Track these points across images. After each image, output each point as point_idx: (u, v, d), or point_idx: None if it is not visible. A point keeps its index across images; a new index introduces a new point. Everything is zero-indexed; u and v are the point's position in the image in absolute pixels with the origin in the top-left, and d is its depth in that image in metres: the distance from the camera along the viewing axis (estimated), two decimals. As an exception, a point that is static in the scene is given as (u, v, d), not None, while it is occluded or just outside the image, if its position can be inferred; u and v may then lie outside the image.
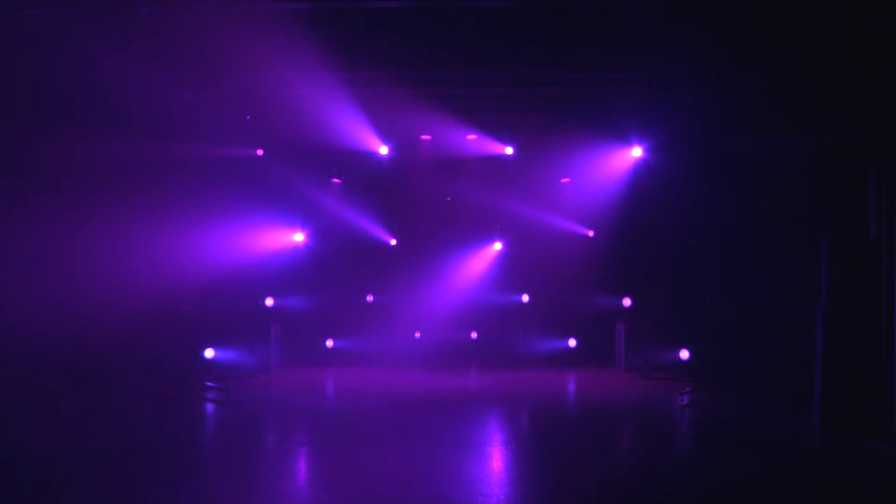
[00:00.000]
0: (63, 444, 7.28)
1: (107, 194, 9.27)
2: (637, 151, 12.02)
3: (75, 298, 8.67)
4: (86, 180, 9.10)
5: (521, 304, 14.58)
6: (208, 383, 10.28)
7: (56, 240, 8.87)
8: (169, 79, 9.16)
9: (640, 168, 12.11)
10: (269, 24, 8.05)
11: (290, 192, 12.86)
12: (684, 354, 11.21)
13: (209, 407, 9.45)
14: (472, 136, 12.98)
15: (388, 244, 14.50)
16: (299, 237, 13.54)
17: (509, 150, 13.18)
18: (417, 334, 14.61)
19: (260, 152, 12.32)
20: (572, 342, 13.97)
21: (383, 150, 13.02)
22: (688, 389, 9.85)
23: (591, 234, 14.04)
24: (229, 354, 11.73)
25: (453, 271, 14.44)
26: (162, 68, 8.76)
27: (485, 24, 8.73)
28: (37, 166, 8.78)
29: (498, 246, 14.49)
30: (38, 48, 8.06)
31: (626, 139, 12.05)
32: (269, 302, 12.81)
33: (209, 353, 10.98)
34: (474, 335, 14.70)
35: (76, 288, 8.76)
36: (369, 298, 14.61)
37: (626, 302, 12.77)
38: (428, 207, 14.27)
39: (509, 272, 14.49)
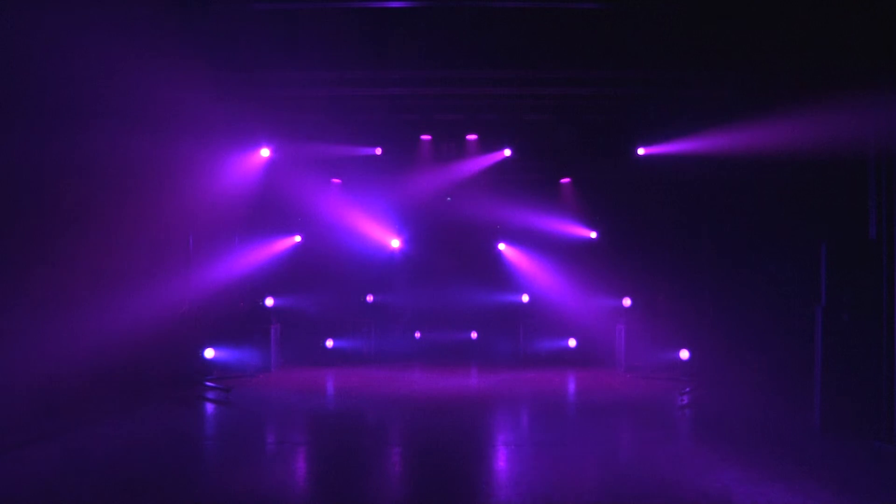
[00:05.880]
0: (61, 444, 7.28)
1: (102, 195, 9.23)
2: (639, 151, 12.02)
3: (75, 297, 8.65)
4: (83, 180, 9.07)
5: (521, 304, 14.57)
6: (208, 383, 10.29)
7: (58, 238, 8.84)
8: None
9: (641, 167, 12.11)
10: None
11: (291, 192, 12.84)
12: (684, 354, 11.21)
13: (209, 407, 9.45)
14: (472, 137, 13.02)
15: (390, 245, 14.49)
16: (297, 238, 13.58)
17: (507, 152, 13.16)
18: (417, 334, 14.62)
19: (267, 152, 12.23)
20: (572, 342, 13.96)
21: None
22: (688, 389, 9.85)
23: (593, 235, 14.04)
24: (229, 354, 11.73)
25: (456, 272, 14.46)
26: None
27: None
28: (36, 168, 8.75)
29: (502, 246, 14.50)
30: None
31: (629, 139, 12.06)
32: (269, 302, 12.80)
33: (209, 353, 10.97)
34: (474, 335, 14.69)
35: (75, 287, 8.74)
36: (369, 298, 14.61)
37: (626, 302, 12.76)
38: (428, 208, 14.26)
39: (513, 272, 14.50)
